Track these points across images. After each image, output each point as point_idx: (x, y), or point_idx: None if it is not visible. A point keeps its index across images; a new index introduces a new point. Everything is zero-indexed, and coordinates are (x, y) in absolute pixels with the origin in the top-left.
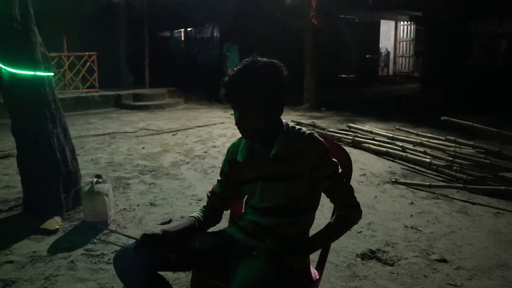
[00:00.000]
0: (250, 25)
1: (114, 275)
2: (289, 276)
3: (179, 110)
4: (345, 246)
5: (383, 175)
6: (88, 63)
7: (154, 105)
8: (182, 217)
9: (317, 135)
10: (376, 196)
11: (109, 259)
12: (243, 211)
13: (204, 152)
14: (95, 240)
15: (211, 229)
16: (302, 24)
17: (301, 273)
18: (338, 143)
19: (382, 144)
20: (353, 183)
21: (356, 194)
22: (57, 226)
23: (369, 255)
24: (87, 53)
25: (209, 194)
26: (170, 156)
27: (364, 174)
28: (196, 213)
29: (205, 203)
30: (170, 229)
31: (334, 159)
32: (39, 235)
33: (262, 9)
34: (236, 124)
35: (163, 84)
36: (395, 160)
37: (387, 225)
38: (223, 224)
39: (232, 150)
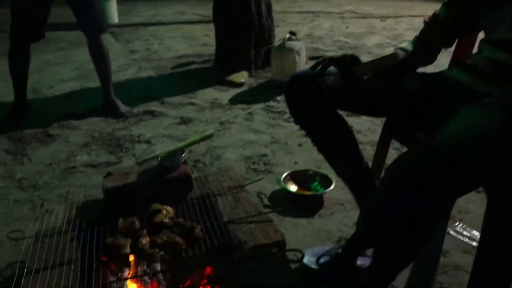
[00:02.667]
0: None
1: (291, 132)
2: None
3: None
4: None
5: None
6: None
7: None
8: None
9: None
10: None
11: (289, 117)
12: (474, 52)
13: None
14: (278, 98)
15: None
16: None
17: None
18: None
19: None
20: None
21: None
22: (243, 80)
23: None
24: None
25: (427, 21)
26: (376, 38)
27: None
28: (406, 44)
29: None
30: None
31: None
32: (223, 86)
33: None
34: None
35: None
36: None
37: None
38: None
39: None
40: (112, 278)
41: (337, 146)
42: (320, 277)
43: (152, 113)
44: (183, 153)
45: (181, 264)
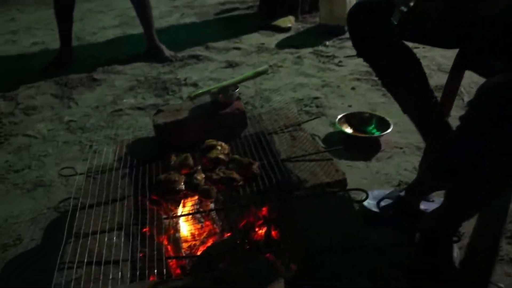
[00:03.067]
0: None
1: (342, 76)
2: None
3: None
4: None
5: None
6: None
7: None
8: None
9: None
10: None
11: (340, 61)
12: None
13: None
14: (327, 43)
15: None
16: None
17: None
18: None
19: None
20: None
21: None
22: (290, 25)
23: None
24: None
25: None
26: None
27: None
28: None
29: None
30: None
31: None
32: (269, 31)
33: None
34: None
35: None
36: None
37: None
38: None
39: None
40: (164, 216)
41: (404, 79)
42: (381, 221)
43: (197, 58)
44: (237, 88)
45: (236, 203)
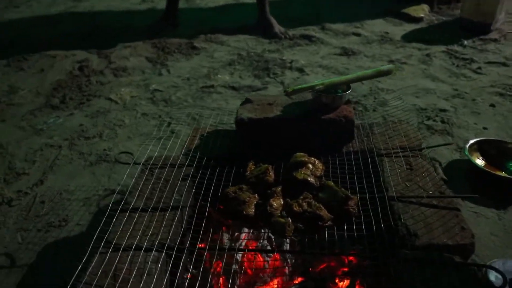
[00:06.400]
0: None
1: (480, 88)
2: None
3: None
4: None
5: None
6: None
7: None
8: None
9: None
10: None
11: (479, 68)
12: None
13: None
14: (466, 42)
15: None
16: None
17: None
18: None
19: None
20: None
21: None
22: (422, 15)
23: None
24: None
25: None
26: None
27: None
28: None
29: None
30: None
31: None
32: (397, 19)
33: None
34: None
35: None
36: None
37: None
38: None
39: None
40: (225, 243)
41: None
42: None
43: (309, 38)
44: (349, 89)
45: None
